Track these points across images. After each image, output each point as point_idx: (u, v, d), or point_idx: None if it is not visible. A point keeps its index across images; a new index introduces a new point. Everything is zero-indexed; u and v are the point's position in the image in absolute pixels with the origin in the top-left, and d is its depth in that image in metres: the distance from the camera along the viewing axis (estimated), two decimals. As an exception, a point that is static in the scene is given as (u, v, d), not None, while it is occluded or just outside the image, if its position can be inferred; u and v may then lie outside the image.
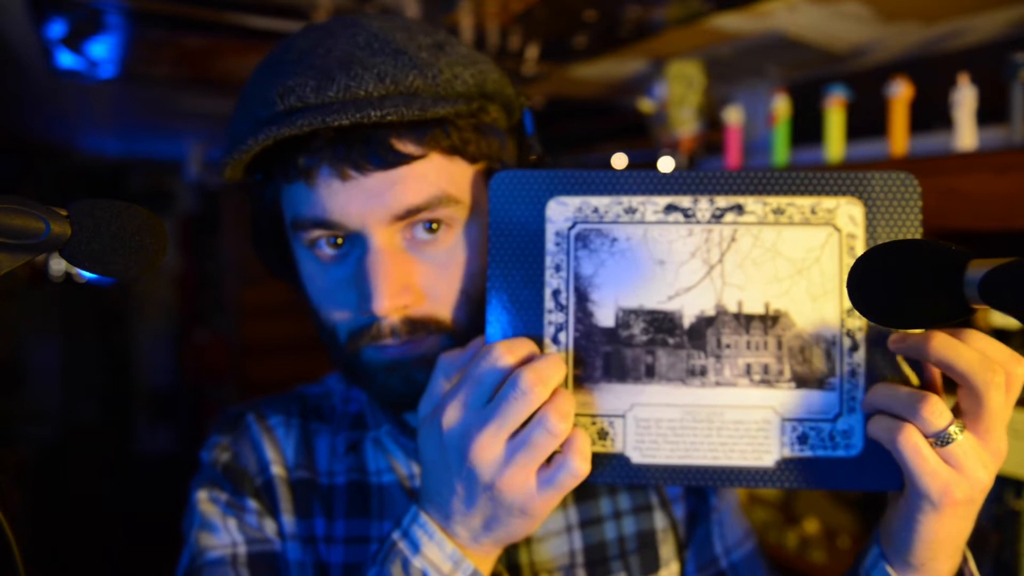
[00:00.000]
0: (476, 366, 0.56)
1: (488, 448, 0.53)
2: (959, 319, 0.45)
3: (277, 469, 0.74)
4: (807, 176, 0.60)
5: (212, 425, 0.80)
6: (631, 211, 0.61)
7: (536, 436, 0.53)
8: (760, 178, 0.60)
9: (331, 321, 0.67)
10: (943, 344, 0.52)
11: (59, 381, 4.56)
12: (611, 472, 0.60)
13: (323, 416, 0.79)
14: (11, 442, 3.96)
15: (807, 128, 1.78)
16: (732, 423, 0.59)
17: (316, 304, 0.69)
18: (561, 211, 0.61)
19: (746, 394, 0.59)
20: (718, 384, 0.60)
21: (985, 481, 0.54)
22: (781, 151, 1.73)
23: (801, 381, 0.59)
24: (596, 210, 0.61)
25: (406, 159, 0.61)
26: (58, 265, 4.68)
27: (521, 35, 1.81)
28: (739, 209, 0.60)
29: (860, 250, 0.58)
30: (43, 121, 3.34)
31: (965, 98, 1.33)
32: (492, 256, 0.62)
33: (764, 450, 0.59)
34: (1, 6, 1.70)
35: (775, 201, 0.60)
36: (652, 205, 0.61)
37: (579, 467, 0.54)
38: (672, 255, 0.60)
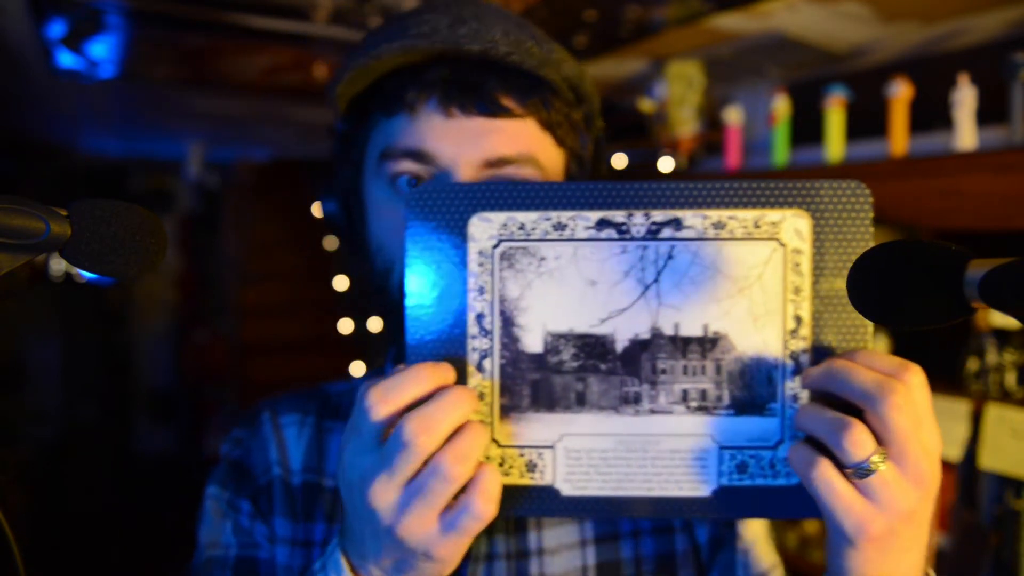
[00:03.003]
0: (354, 414, 0.53)
1: (383, 494, 0.51)
2: (959, 319, 0.45)
3: (279, 470, 0.74)
4: (750, 187, 0.55)
5: (237, 418, 0.82)
6: (560, 227, 0.57)
7: (431, 483, 0.50)
8: (700, 190, 0.56)
9: (390, 261, 0.68)
10: (838, 370, 0.50)
11: (59, 381, 4.56)
12: (539, 506, 0.57)
13: (340, 414, 0.78)
14: (11, 442, 3.96)
15: (807, 128, 1.78)
16: (668, 452, 0.56)
17: (379, 243, 0.70)
18: (485, 228, 0.57)
19: (682, 422, 0.56)
20: (653, 412, 0.56)
21: (908, 510, 0.50)
22: (781, 151, 1.73)
23: (741, 407, 0.56)
24: (522, 227, 0.57)
25: (507, 112, 0.66)
26: (58, 265, 4.68)
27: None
28: (677, 224, 0.56)
29: (806, 266, 0.55)
30: (43, 121, 3.34)
31: (965, 98, 1.33)
32: (410, 278, 0.57)
33: (701, 480, 0.56)
34: (1, 6, 1.70)
35: (716, 214, 0.55)
36: (583, 220, 0.56)
37: (481, 510, 0.51)
38: (604, 274, 0.56)
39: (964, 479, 1.44)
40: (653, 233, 0.56)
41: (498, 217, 0.57)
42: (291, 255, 3.82)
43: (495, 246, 0.57)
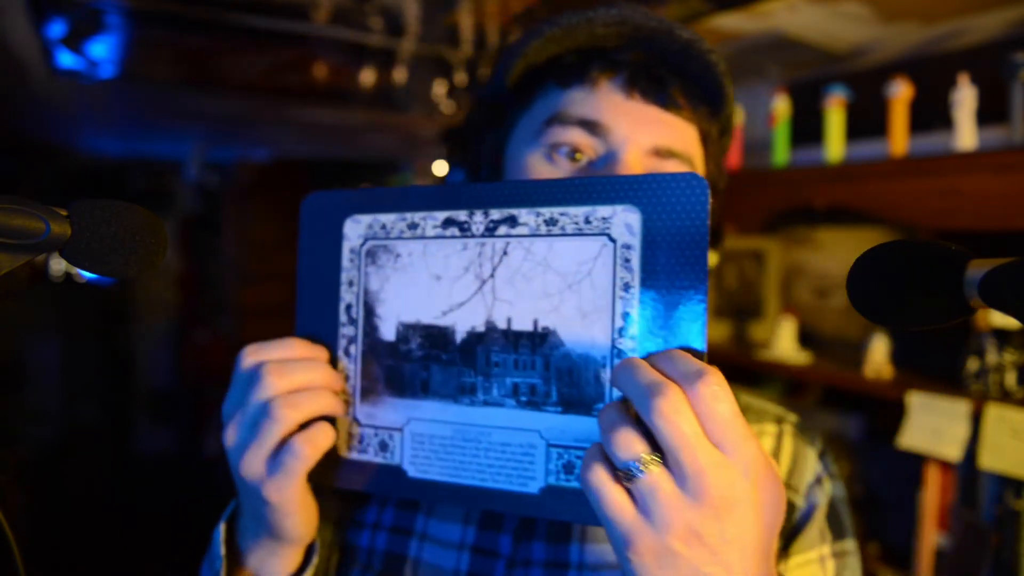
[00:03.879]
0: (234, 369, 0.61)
1: (232, 433, 0.58)
2: (959, 319, 0.45)
3: None
4: (581, 183, 0.55)
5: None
6: (413, 227, 0.61)
7: (262, 422, 0.56)
8: (534, 188, 0.57)
9: None
10: (623, 370, 0.48)
11: (59, 381, 4.56)
12: (389, 484, 0.60)
13: None
14: (11, 442, 3.96)
15: (807, 128, 1.78)
16: (499, 445, 0.57)
17: None
18: (355, 229, 0.63)
19: (513, 416, 0.56)
20: (486, 403, 0.57)
21: (687, 528, 0.44)
22: (781, 151, 1.73)
23: (568, 405, 0.55)
24: (384, 227, 0.62)
25: (679, 110, 0.69)
26: (58, 265, 4.68)
27: (521, 35, 1.81)
28: (512, 221, 0.57)
29: (636, 262, 0.53)
30: (43, 121, 3.34)
31: (965, 98, 1.34)
32: (300, 272, 0.65)
33: (529, 476, 0.55)
34: (1, 7, 1.70)
35: (549, 211, 0.56)
36: (432, 220, 0.60)
37: (302, 451, 0.56)
38: (448, 270, 0.59)
39: (964, 479, 1.44)
40: (491, 230, 0.58)
41: (366, 219, 0.63)
42: (291, 255, 3.80)
43: (362, 244, 0.63)
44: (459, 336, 0.59)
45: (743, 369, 1.92)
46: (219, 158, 4.40)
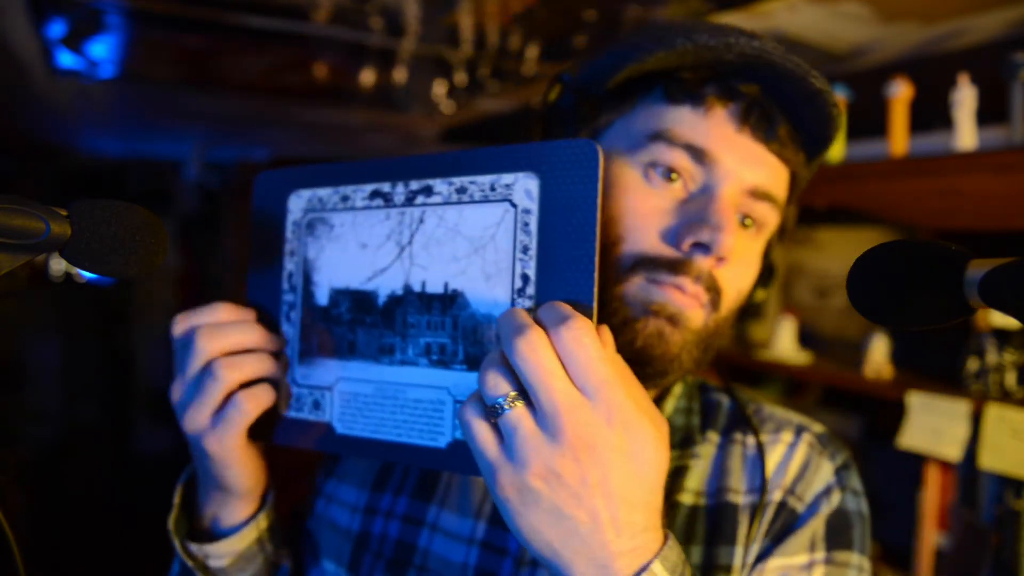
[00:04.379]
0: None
1: (176, 391, 0.63)
2: (959, 319, 0.45)
3: None
4: (490, 154, 0.59)
5: None
6: (346, 199, 0.65)
7: (205, 381, 0.61)
8: (449, 159, 0.61)
9: (611, 242, 0.64)
10: (499, 321, 0.50)
11: (59, 381, 4.56)
12: (320, 440, 0.64)
13: None
14: (11, 442, 3.96)
15: (807, 128, 1.78)
16: (412, 401, 0.60)
17: (604, 220, 0.64)
18: (298, 203, 0.68)
19: (425, 374, 0.60)
20: (403, 363, 0.61)
21: (546, 467, 0.46)
22: (781, 151, 1.72)
23: (473, 363, 0.58)
24: (321, 200, 0.67)
25: (783, 150, 0.66)
26: (58, 265, 4.68)
27: (521, 35, 1.81)
28: (429, 191, 0.61)
29: (534, 226, 0.56)
30: (43, 121, 3.34)
31: (965, 98, 1.33)
32: (253, 244, 0.69)
33: (438, 431, 0.59)
34: (1, 7, 1.70)
35: (460, 181, 0.60)
36: (361, 192, 0.65)
37: (245, 406, 0.61)
38: (372, 238, 0.63)
39: (964, 479, 1.45)
40: (410, 200, 0.62)
41: (307, 193, 0.68)
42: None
43: (303, 216, 0.67)
44: (381, 300, 0.63)
45: (743, 369, 1.92)
46: (219, 158, 4.40)
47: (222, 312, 0.64)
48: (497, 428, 0.49)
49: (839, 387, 1.78)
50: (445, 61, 2.14)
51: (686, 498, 0.68)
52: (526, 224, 0.56)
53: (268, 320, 0.67)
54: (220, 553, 0.69)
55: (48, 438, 4.35)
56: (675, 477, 0.69)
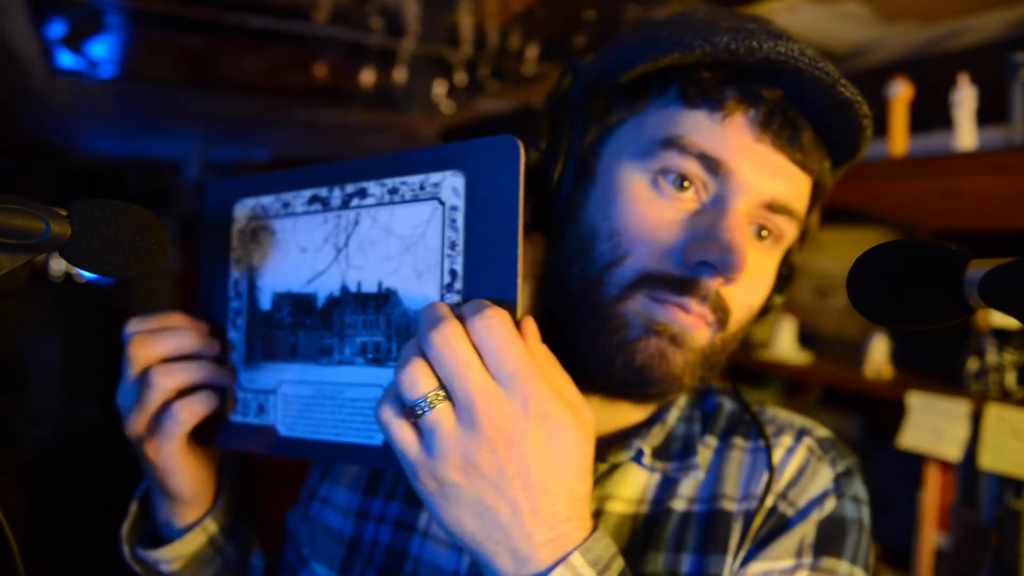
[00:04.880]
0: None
1: (121, 399, 0.64)
2: (959, 319, 0.45)
3: None
4: (420, 154, 0.59)
5: None
6: (286, 205, 0.66)
7: (142, 390, 0.62)
8: (381, 161, 0.61)
9: (614, 255, 0.61)
10: (419, 317, 0.50)
11: (59, 381, 4.55)
12: (264, 443, 0.65)
13: None
14: (11, 442, 3.96)
15: (807, 128, 1.77)
16: (350, 401, 0.60)
17: (611, 229, 0.62)
18: (243, 211, 0.69)
19: (361, 372, 0.60)
20: (340, 363, 0.62)
21: (460, 457, 0.46)
22: (781, 151, 1.72)
23: None
24: (264, 208, 0.68)
25: (804, 163, 0.62)
26: (58, 265, 4.68)
27: (521, 35, 1.81)
28: (363, 193, 0.62)
29: (461, 222, 0.56)
30: (43, 121, 3.34)
31: (965, 98, 1.33)
32: (201, 253, 0.70)
33: (375, 429, 0.59)
34: (1, 7, 1.70)
35: (392, 182, 0.61)
36: (300, 198, 0.66)
37: (181, 415, 0.62)
38: (311, 242, 0.64)
39: (964, 479, 1.44)
40: (345, 203, 0.63)
41: (251, 202, 0.69)
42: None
43: (248, 224, 0.69)
44: (320, 302, 0.63)
45: (743, 369, 1.92)
46: (219, 158, 4.40)
47: (168, 319, 0.65)
48: (417, 426, 0.48)
49: (839, 387, 1.78)
50: (445, 61, 2.14)
51: (678, 504, 0.66)
52: (453, 221, 0.57)
53: (216, 327, 0.68)
54: (167, 558, 0.70)
55: (48, 438, 4.34)
56: (670, 485, 0.67)
